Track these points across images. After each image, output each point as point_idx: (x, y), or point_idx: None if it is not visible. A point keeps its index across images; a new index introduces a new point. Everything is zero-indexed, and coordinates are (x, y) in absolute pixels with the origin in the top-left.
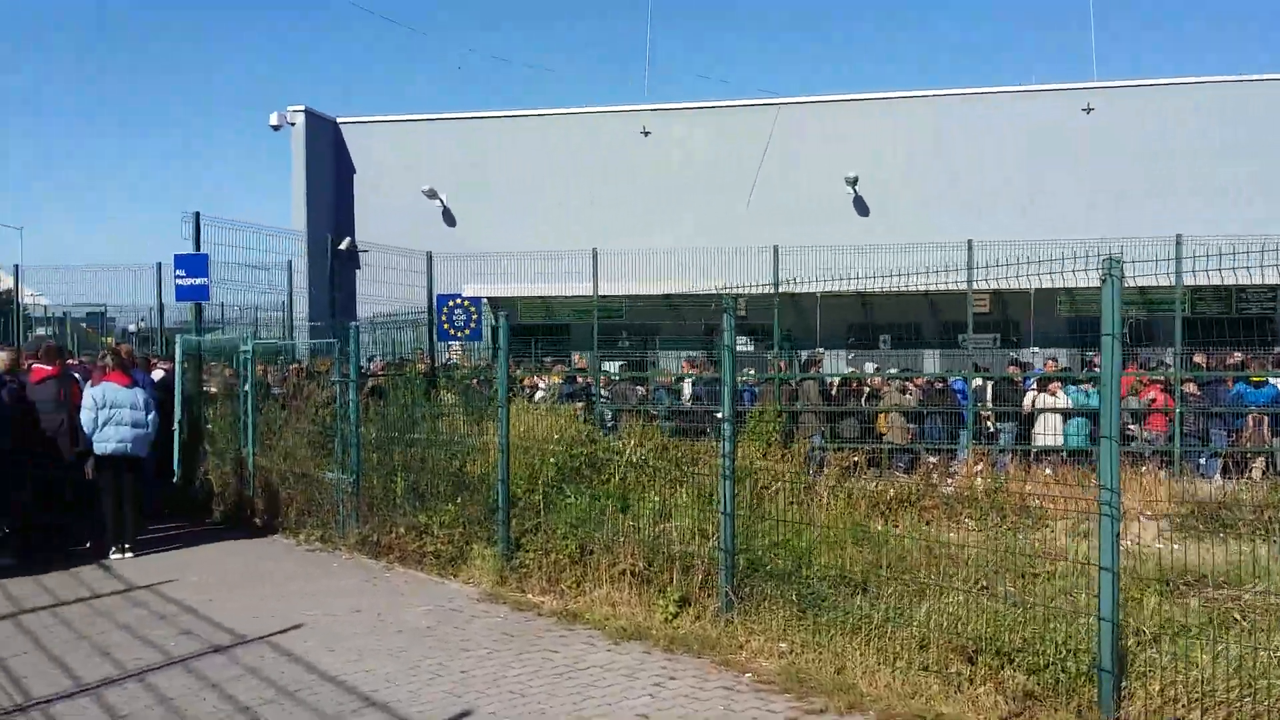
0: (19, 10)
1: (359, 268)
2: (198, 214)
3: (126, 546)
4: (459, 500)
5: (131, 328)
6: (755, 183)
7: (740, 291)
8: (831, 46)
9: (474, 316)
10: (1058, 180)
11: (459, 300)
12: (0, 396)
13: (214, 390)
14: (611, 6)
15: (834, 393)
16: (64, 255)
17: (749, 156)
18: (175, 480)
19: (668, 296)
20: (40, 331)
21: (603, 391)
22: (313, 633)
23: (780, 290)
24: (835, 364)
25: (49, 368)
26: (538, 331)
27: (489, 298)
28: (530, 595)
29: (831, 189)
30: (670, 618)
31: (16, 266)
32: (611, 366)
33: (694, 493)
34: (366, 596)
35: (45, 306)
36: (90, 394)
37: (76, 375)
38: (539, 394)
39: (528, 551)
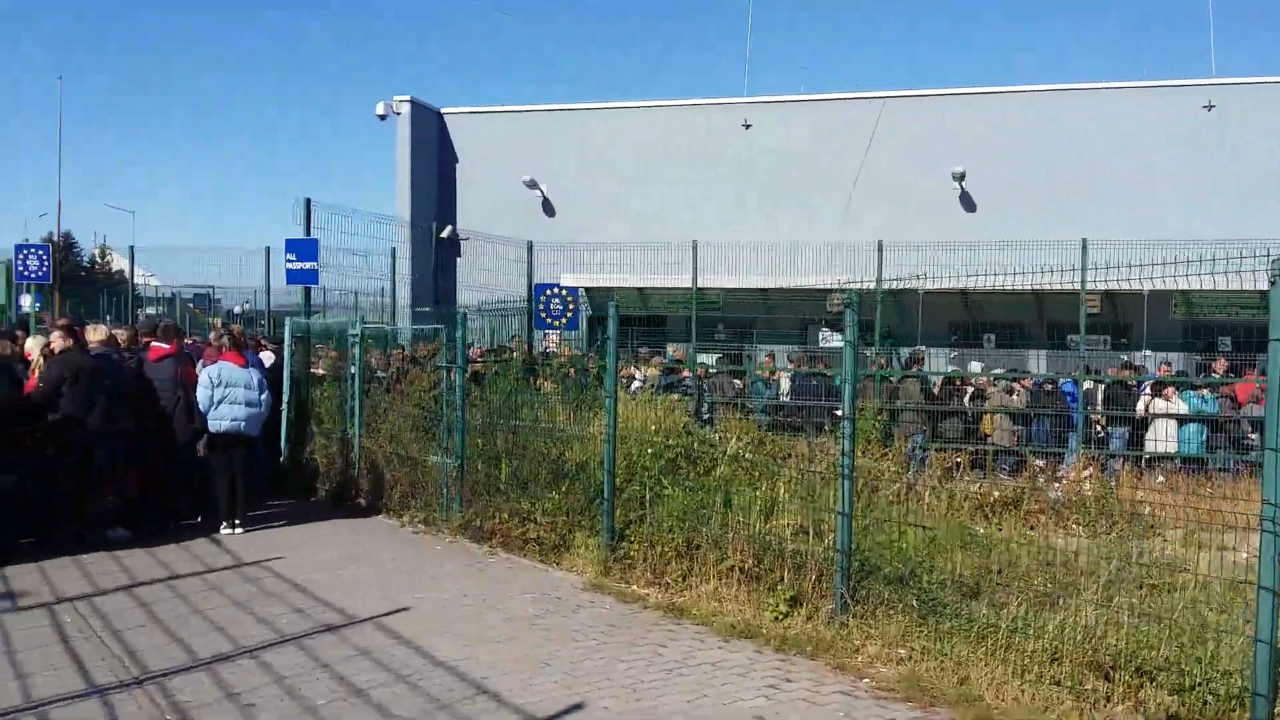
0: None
1: (459, 256)
2: (309, 200)
3: (237, 522)
4: (562, 488)
5: (237, 309)
6: (858, 177)
7: (843, 286)
8: (938, 39)
9: (570, 306)
10: (1174, 179)
11: (556, 290)
12: (121, 373)
13: (321, 372)
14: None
15: (937, 392)
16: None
17: (851, 150)
18: (282, 459)
19: (765, 291)
20: (150, 311)
21: (700, 384)
22: (420, 616)
23: (884, 287)
24: (936, 363)
25: (167, 346)
26: (633, 322)
27: (586, 288)
28: (635, 587)
29: (937, 184)
30: (780, 617)
31: (131, 248)
32: (708, 359)
33: (804, 489)
34: (471, 581)
35: (156, 286)
36: (207, 373)
37: (190, 354)
38: (635, 384)
39: (632, 543)
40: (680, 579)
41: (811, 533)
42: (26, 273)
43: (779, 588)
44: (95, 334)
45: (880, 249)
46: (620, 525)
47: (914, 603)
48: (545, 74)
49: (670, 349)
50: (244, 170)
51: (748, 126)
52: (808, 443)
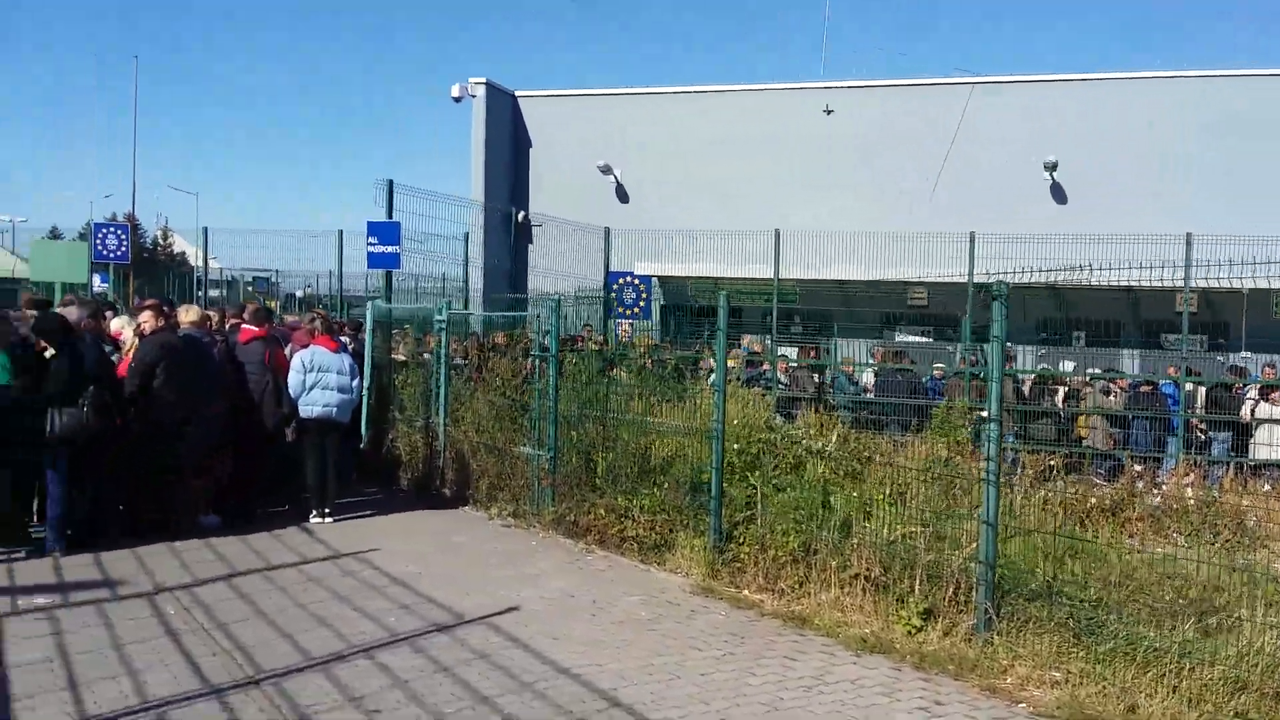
0: None
1: (531, 242)
2: (391, 182)
3: (327, 511)
4: (662, 484)
5: (299, 293)
6: (943, 166)
7: (926, 280)
8: (1030, 24)
9: (644, 294)
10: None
11: (629, 278)
12: (211, 356)
13: (401, 358)
14: None
15: (1027, 392)
16: (233, 222)
17: (937, 138)
18: (363, 445)
19: (843, 283)
20: (213, 294)
21: (780, 377)
22: (531, 617)
23: (975, 280)
24: (1024, 361)
25: (256, 329)
26: (706, 313)
27: (659, 276)
28: (746, 592)
29: (1027, 174)
30: (914, 631)
31: (204, 229)
32: (787, 352)
33: (929, 493)
34: (573, 579)
35: (220, 269)
36: (299, 357)
37: (279, 338)
38: (713, 377)
39: (741, 545)
40: (797, 585)
41: (947, 541)
42: (105, 251)
43: (910, 599)
44: (188, 314)
45: (973, 241)
46: (728, 526)
47: (1066, 620)
48: (620, 58)
49: (745, 341)
50: (307, 153)
51: (829, 112)
52: (893, 441)
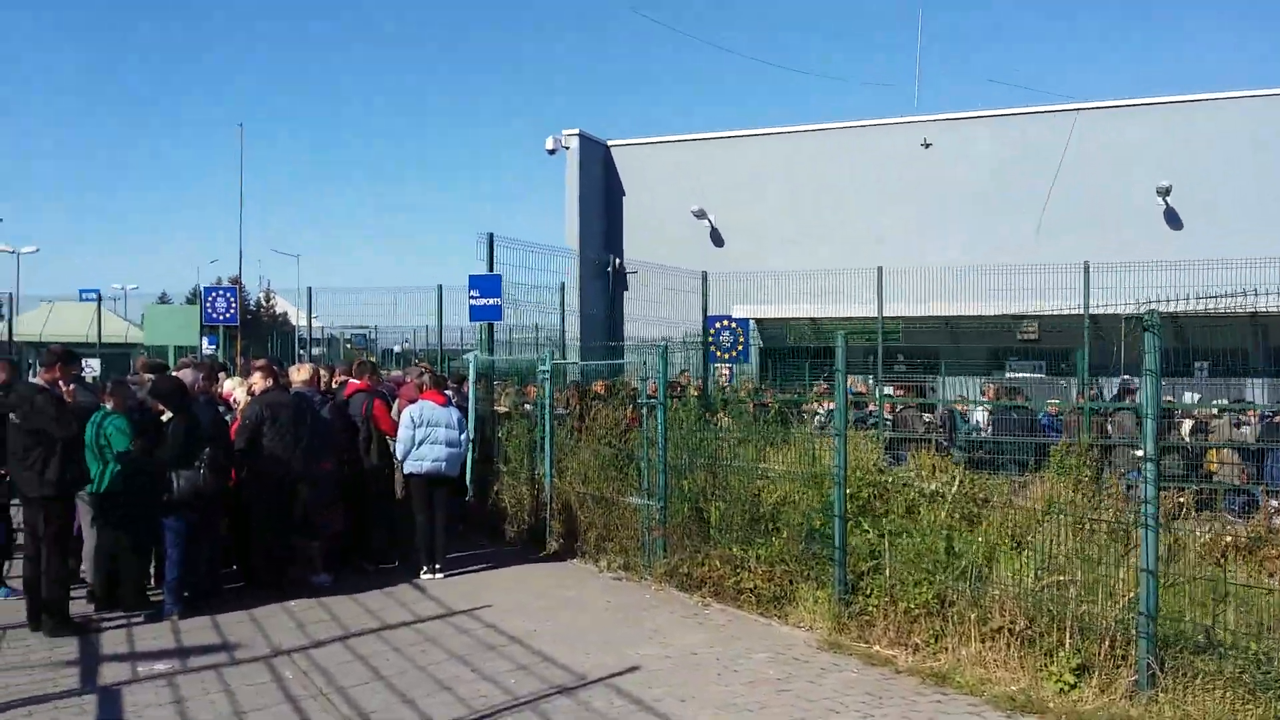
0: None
1: (626, 289)
2: (491, 235)
3: (438, 566)
4: (781, 534)
5: (396, 348)
6: (1049, 195)
7: (1036, 313)
8: (1135, 47)
9: (741, 338)
10: None
11: (726, 322)
12: (320, 413)
13: (503, 409)
14: (878, 17)
15: None
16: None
17: (1042, 168)
18: (468, 499)
19: (949, 319)
20: (315, 351)
21: (886, 417)
22: (654, 677)
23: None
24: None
25: (359, 382)
26: (804, 354)
27: (756, 319)
28: (876, 647)
29: (1139, 201)
30: (1066, 689)
31: (309, 289)
32: (890, 392)
33: (1075, 540)
34: (694, 636)
35: (322, 328)
36: (408, 413)
37: (383, 392)
38: (817, 418)
39: (868, 596)
40: (932, 640)
41: (1101, 592)
42: (215, 314)
43: (1060, 654)
44: (299, 374)
45: (1087, 271)
46: (851, 577)
47: (1239, 675)
48: (709, 101)
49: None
50: (403, 212)
51: (927, 145)
52: (1011, 481)
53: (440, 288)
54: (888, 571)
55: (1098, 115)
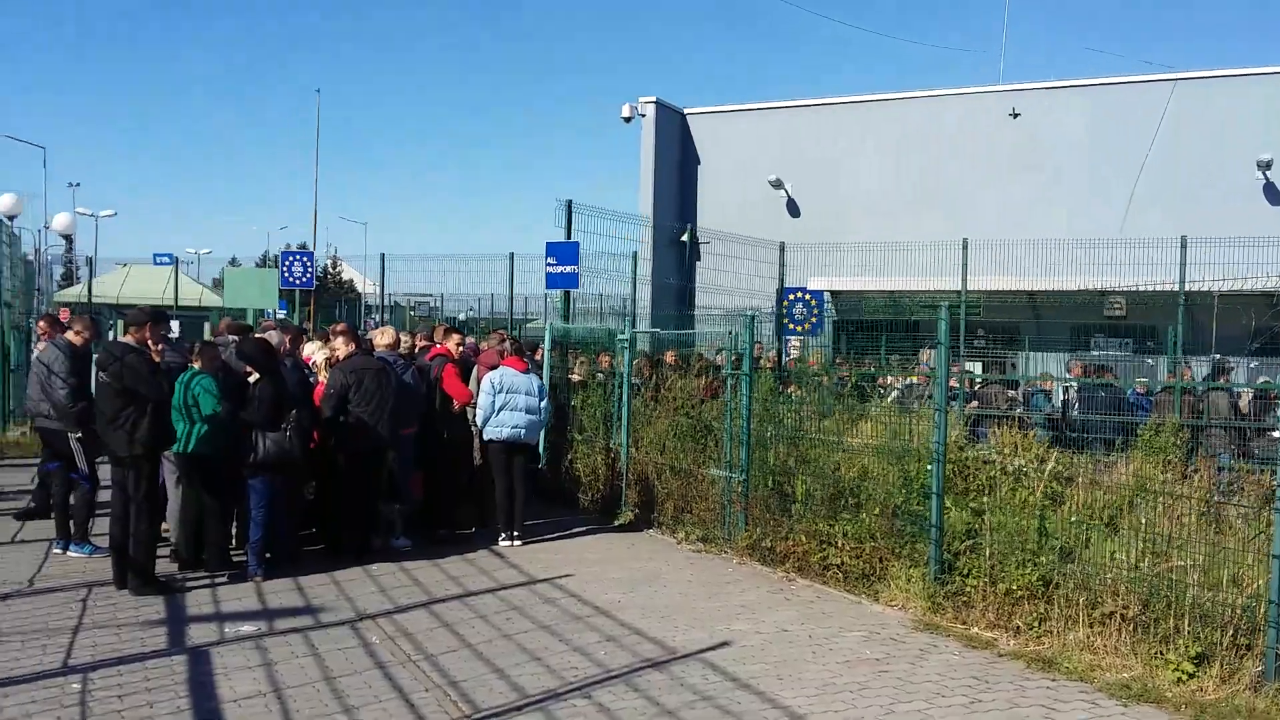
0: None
1: (699, 259)
2: (570, 202)
3: (515, 534)
4: (870, 509)
5: (460, 316)
6: (1143, 167)
7: (1124, 289)
8: (1235, 15)
9: (815, 310)
10: None
11: (800, 294)
12: (403, 379)
13: (577, 378)
14: None
15: (1245, 407)
16: (397, 246)
17: (1135, 139)
18: (541, 466)
19: (1033, 293)
20: (374, 318)
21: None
22: (747, 653)
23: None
24: (1241, 373)
25: (440, 347)
26: (879, 328)
27: (831, 291)
28: (975, 629)
29: (1237, 174)
30: (1184, 678)
31: (382, 255)
32: (971, 368)
33: (1193, 522)
34: (784, 613)
35: (390, 295)
36: (489, 378)
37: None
38: (894, 394)
39: (966, 577)
40: (1035, 623)
41: (1225, 578)
42: (291, 278)
43: (1177, 641)
44: (383, 337)
45: (1184, 246)
46: (947, 556)
47: None
48: (789, 72)
49: (923, 356)
50: (471, 179)
51: (1015, 115)
52: (1097, 460)
53: (512, 255)
54: (988, 551)
55: (1196, 85)
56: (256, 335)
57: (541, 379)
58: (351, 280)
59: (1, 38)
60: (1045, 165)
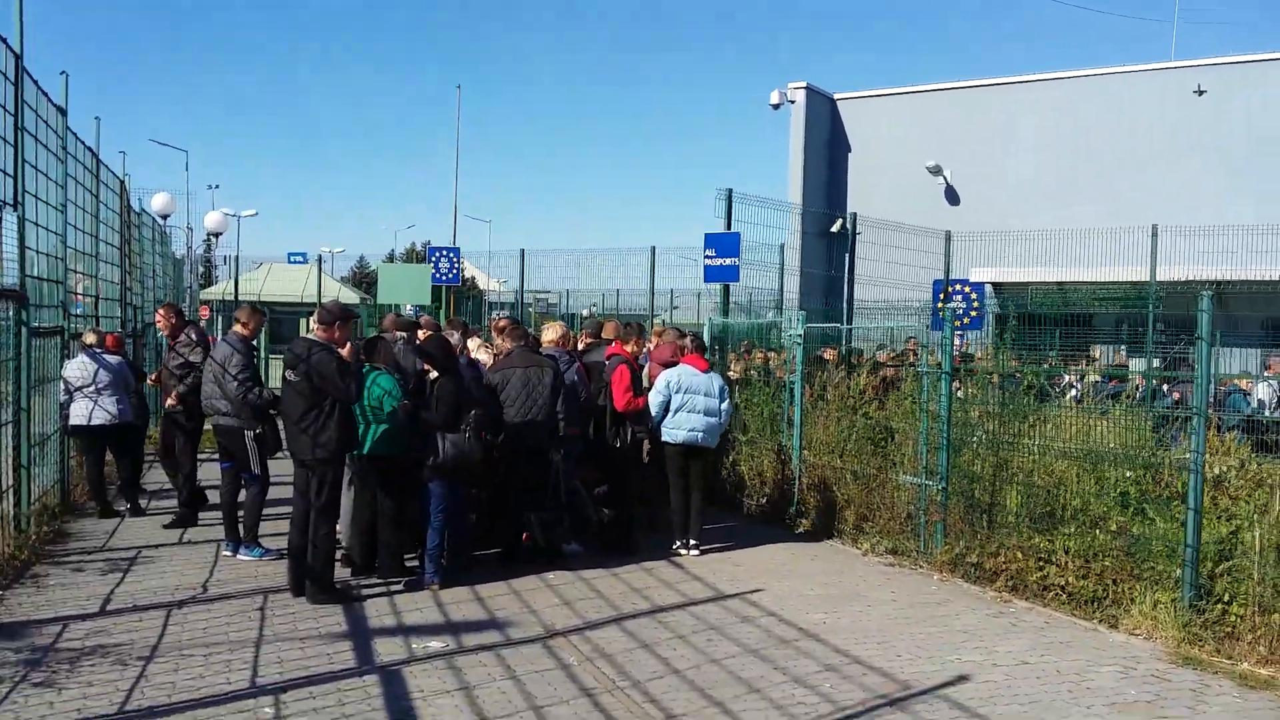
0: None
1: (848, 251)
2: (730, 191)
3: (692, 542)
4: (1109, 524)
5: (584, 312)
6: None
7: None
8: None
9: (975, 303)
10: None
11: (959, 286)
12: (568, 377)
13: (736, 375)
14: None
15: None
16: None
17: None
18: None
19: (1218, 283)
20: (496, 314)
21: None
22: (993, 691)
23: None
24: None
25: (617, 345)
26: (1046, 322)
27: (994, 283)
28: (1244, 664)
29: None
30: None
31: (521, 251)
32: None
33: None
34: (1014, 641)
35: (515, 291)
36: (664, 377)
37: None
38: (1072, 392)
39: (1228, 604)
40: None
41: None
42: (439, 275)
43: None
44: (551, 333)
45: None
46: (1204, 580)
47: None
48: (944, 51)
49: (1094, 351)
50: (607, 170)
51: (1200, 93)
52: None
53: (653, 249)
54: (1256, 575)
55: None
56: (437, 333)
57: (723, 379)
58: (473, 277)
59: (141, 43)
60: (1234, 146)
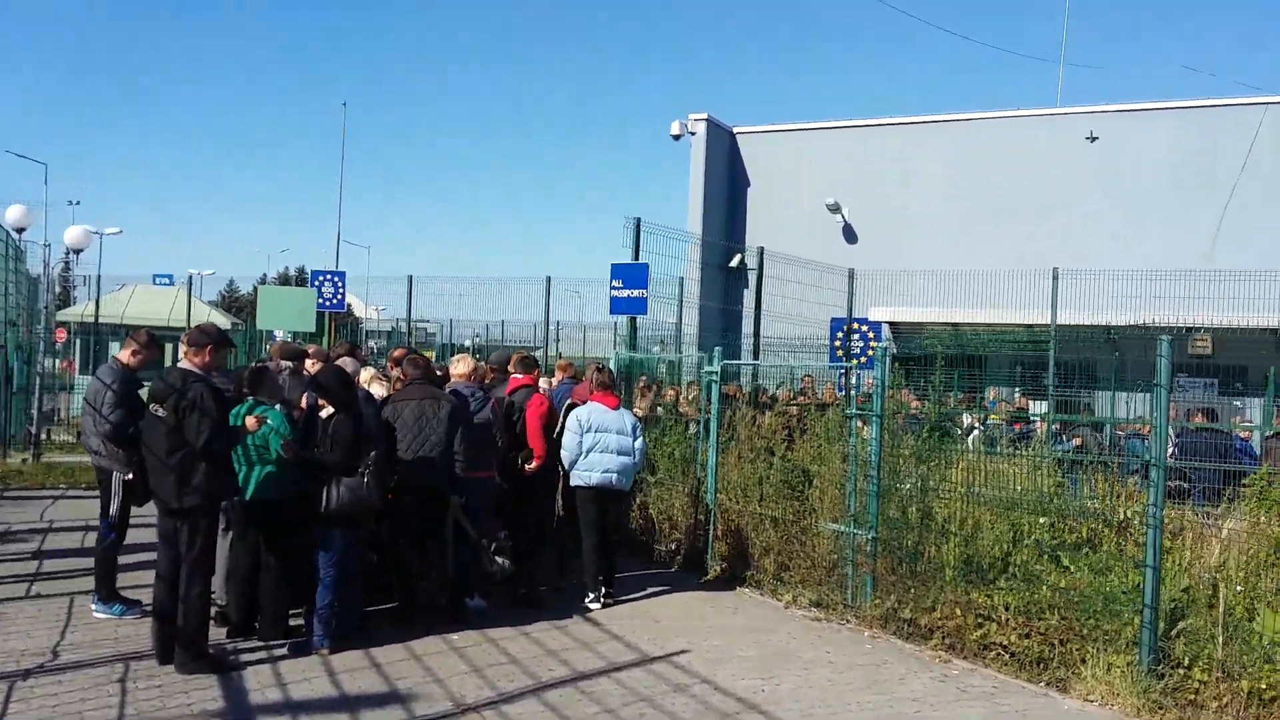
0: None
1: (747, 286)
2: (639, 220)
3: (605, 594)
4: (1057, 580)
5: (467, 343)
6: (1230, 196)
7: (1212, 325)
8: None
9: (872, 343)
10: None
11: (856, 324)
12: (481, 416)
13: (641, 412)
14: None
15: None
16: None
17: (1222, 166)
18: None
19: (1109, 328)
20: (371, 344)
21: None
22: None
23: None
24: None
25: (524, 377)
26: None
27: (890, 322)
28: None
29: None
30: None
31: (410, 278)
32: (1038, 407)
33: None
34: (970, 709)
35: (395, 321)
36: (575, 415)
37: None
38: (974, 433)
39: (1189, 669)
40: None
41: None
42: (322, 300)
43: None
44: (458, 366)
45: None
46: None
47: None
48: (844, 89)
49: (990, 393)
50: (487, 198)
51: (1093, 139)
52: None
53: (549, 279)
54: (1220, 639)
55: None
56: (329, 362)
57: (633, 415)
58: (350, 304)
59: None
60: (1123, 192)
